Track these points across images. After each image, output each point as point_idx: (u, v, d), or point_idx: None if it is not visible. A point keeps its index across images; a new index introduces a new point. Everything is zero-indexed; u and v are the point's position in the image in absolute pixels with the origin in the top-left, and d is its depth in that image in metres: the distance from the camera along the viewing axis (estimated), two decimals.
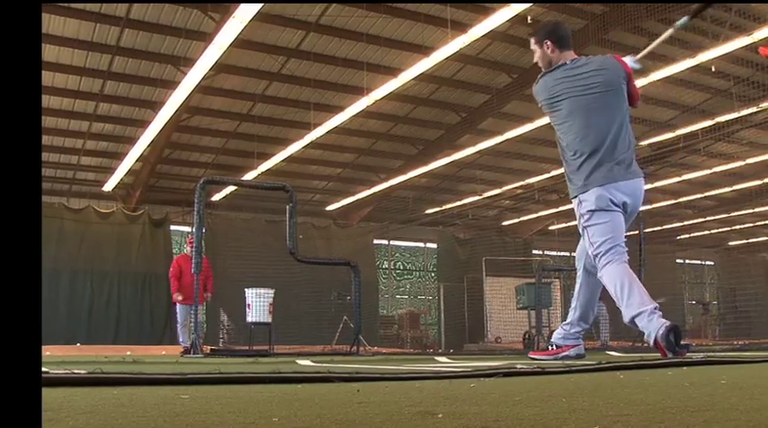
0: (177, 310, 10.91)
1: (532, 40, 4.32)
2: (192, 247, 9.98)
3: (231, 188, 17.40)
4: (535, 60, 4.34)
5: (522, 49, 13.48)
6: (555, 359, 4.20)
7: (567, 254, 18.53)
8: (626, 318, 3.78)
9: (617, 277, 3.85)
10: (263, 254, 15.33)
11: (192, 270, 8.04)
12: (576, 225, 4.22)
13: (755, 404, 1.30)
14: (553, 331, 12.63)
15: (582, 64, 4.11)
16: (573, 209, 4.16)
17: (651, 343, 3.67)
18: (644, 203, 4.20)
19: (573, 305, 4.41)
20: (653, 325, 3.63)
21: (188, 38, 11.90)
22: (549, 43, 4.20)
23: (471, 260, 18.99)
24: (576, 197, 4.04)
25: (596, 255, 3.94)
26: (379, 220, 20.79)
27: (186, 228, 18.31)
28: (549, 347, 4.44)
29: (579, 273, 4.38)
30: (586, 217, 3.97)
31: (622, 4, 11.86)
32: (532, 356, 4.61)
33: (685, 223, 22.64)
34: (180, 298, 10.52)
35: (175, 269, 10.63)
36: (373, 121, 16.10)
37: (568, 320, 4.41)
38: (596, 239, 3.94)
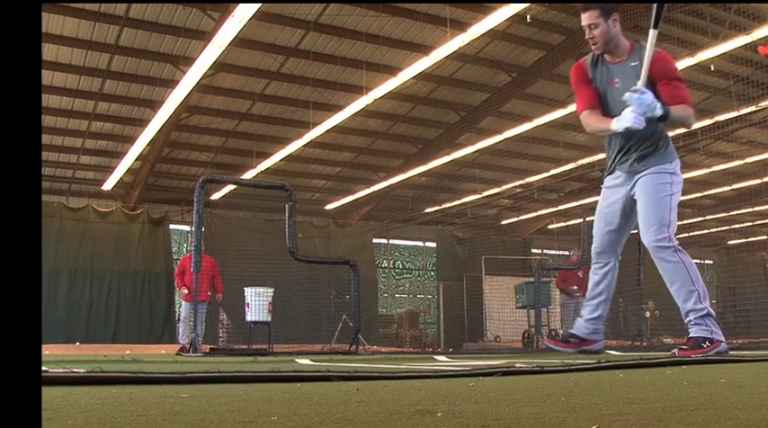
0: (182, 307, 10.90)
1: (593, 13, 3.77)
2: None
3: (230, 187, 17.40)
4: (592, 36, 3.81)
5: (522, 47, 13.50)
6: (578, 351, 4.18)
7: (567, 252, 18.53)
8: (700, 305, 3.72)
9: (693, 262, 3.79)
10: (262, 253, 15.32)
11: (192, 269, 8.04)
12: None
13: (755, 402, 1.30)
14: (552, 329, 12.62)
15: None
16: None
17: (707, 343, 3.68)
18: None
19: (602, 298, 4.16)
20: (717, 331, 3.71)
21: (187, 37, 11.89)
22: (616, 17, 3.82)
23: (470, 259, 18.99)
24: (670, 167, 3.82)
25: (669, 226, 3.73)
26: (379, 219, 20.79)
27: (186, 227, 18.32)
28: (572, 340, 4.32)
29: (613, 263, 4.14)
30: (677, 188, 3.79)
31: (622, 3, 11.86)
32: (551, 344, 4.48)
33: (684, 222, 22.63)
34: (186, 291, 10.48)
35: (179, 268, 10.69)
36: (372, 120, 16.09)
37: (601, 313, 4.21)
38: (675, 216, 3.79)
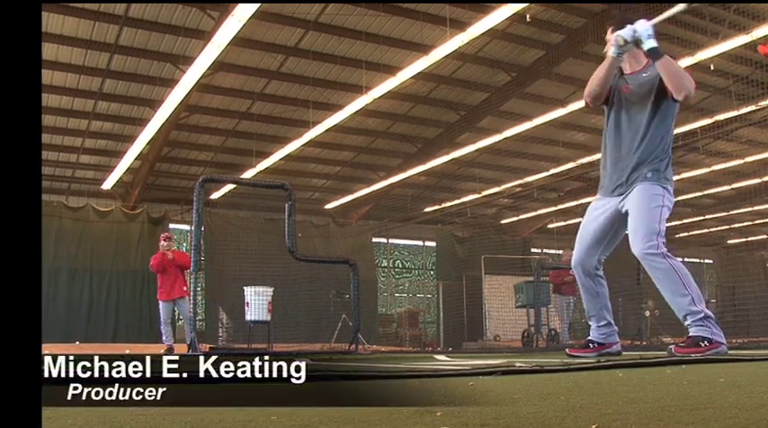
0: (161, 308, 10.24)
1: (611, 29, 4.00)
2: (164, 242, 9.63)
3: (230, 186, 17.39)
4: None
5: (522, 46, 13.50)
6: (599, 355, 4.18)
7: (562, 252, 18.53)
8: (695, 308, 3.71)
9: (684, 267, 3.80)
10: (261, 253, 15.32)
11: (192, 268, 8.03)
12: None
13: (754, 402, 1.30)
14: (552, 328, 12.65)
15: None
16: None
17: (706, 342, 3.67)
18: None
19: (599, 306, 4.20)
20: (719, 333, 3.69)
21: (187, 36, 11.88)
22: None
23: (470, 258, 18.98)
24: (665, 186, 3.90)
25: (659, 235, 3.81)
26: (378, 219, 20.78)
27: (185, 227, 18.32)
28: (591, 345, 4.30)
29: (590, 279, 4.16)
30: (669, 203, 3.88)
31: (622, 3, 11.84)
32: (573, 353, 4.46)
33: (684, 221, 22.63)
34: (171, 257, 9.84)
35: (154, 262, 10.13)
36: (372, 120, 16.08)
37: (609, 320, 4.25)
38: (664, 227, 3.86)
